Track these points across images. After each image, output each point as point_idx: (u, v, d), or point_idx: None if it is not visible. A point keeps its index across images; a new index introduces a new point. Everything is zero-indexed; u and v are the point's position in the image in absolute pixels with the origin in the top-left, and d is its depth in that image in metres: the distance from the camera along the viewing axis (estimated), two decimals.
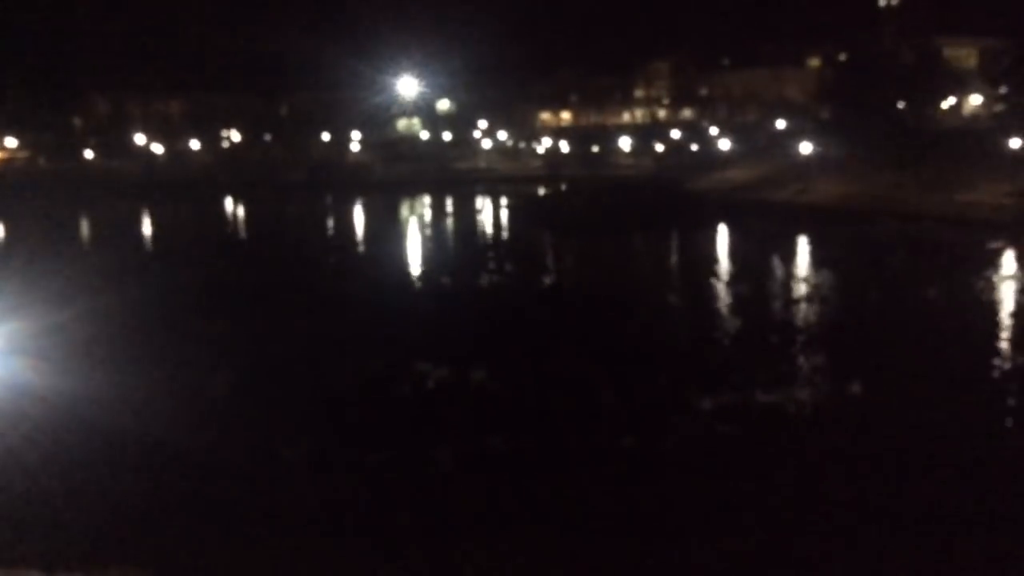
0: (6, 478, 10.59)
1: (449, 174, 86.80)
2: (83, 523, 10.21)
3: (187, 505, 10.91)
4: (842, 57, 79.85)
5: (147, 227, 54.49)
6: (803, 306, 23.89)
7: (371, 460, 12.55)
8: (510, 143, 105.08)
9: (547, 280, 30.93)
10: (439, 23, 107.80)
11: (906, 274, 29.07)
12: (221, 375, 16.44)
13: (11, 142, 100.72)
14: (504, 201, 66.94)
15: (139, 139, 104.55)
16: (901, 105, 68.86)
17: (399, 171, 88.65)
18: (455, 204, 65.50)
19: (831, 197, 50.81)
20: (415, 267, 34.11)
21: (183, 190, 77.45)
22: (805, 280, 28.10)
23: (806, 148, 64.98)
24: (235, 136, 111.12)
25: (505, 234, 47.76)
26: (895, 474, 12.11)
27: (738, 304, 24.38)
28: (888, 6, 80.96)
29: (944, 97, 75.88)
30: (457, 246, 42.79)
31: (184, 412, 14.16)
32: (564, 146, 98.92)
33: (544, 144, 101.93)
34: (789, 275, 29.34)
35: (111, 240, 47.21)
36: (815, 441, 13.44)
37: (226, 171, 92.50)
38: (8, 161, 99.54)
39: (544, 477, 12.01)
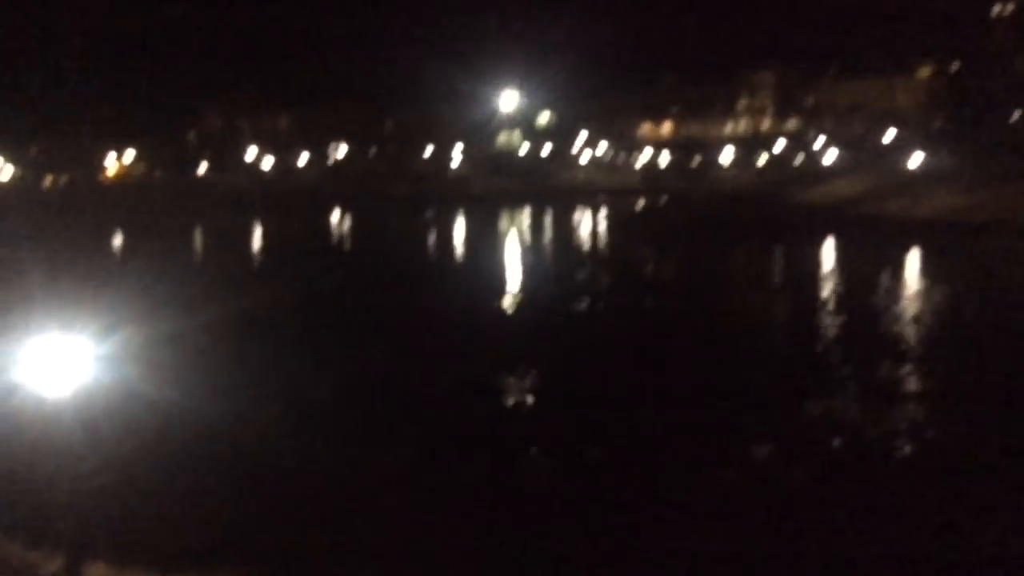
0: (118, 480, 11.01)
1: (548, 187, 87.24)
2: (189, 528, 10.52)
3: (286, 510, 11.15)
4: (954, 66, 77.27)
5: (258, 238, 56.16)
6: (930, 325, 22.85)
7: (466, 472, 12.67)
8: (609, 156, 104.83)
9: (649, 296, 30.58)
10: (540, 36, 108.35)
11: None
12: (324, 385, 16.84)
13: (128, 156, 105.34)
14: (603, 213, 66.72)
15: (250, 153, 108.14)
16: (1016, 115, 66.25)
17: (499, 184, 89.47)
18: (554, 217, 65.66)
19: (944, 210, 49.12)
20: (514, 280, 34.31)
21: (292, 203, 79.58)
22: (927, 297, 27.12)
23: (916, 160, 63.06)
24: (342, 150, 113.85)
25: (604, 247, 47.63)
26: None
27: (864, 324, 23.23)
28: (1001, 14, 77.91)
29: None
30: (556, 259, 42.88)
31: (290, 419, 14.57)
32: (664, 158, 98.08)
33: (644, 156, 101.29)
34: (910, 293, 28.32)
35: (224, 250, 48.79)
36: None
37: (332, 184, 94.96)
38: (126, 174, 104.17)
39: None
